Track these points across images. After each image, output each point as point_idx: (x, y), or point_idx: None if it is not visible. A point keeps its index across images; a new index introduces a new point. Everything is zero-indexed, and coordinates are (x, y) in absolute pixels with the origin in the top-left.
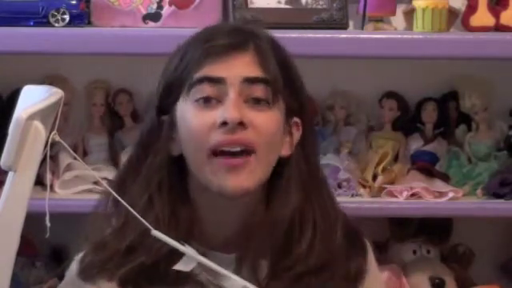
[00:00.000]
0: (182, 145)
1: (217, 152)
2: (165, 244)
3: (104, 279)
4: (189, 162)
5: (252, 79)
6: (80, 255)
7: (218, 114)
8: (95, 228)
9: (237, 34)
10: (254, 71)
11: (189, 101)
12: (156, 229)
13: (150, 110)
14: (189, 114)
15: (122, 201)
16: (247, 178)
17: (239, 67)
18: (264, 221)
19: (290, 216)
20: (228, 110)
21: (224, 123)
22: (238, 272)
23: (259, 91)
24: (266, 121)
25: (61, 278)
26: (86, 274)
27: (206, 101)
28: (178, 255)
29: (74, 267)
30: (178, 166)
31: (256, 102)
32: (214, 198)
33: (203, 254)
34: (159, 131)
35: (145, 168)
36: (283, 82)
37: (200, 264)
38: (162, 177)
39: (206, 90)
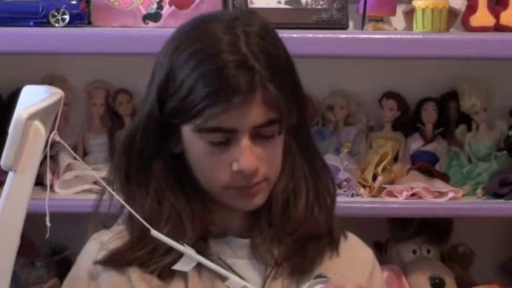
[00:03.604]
0: (187, 153)
1: (230, 187)
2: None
3: (133, 267)
4: (199, 180)
5: (262, 124)
6: (95, 242)
7: (232, 157)
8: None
9: (245, 69)
10: (264, 115)
11: (199, 138)
12: (170, 222)
13: (147, 110)
14: (200, 150)
15: (122, 201)
16: (260, 198)
17: (250, 116)
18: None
19: (284, 188)
20: (243, 161)
21: (240, 171)
22: (253, 256)
23: (268, 131)
24: (275, 151)
25: (61, 278)
26: (112, 261)
27: (218, 143)
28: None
29: (90, 254)
30: (182, 160)
31: (265, 138)
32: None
33: (221, 239)
34: (161, 135)
35: (149, 168)
36: (286, 101)
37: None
38: (169, 174)
39: (218, 137)
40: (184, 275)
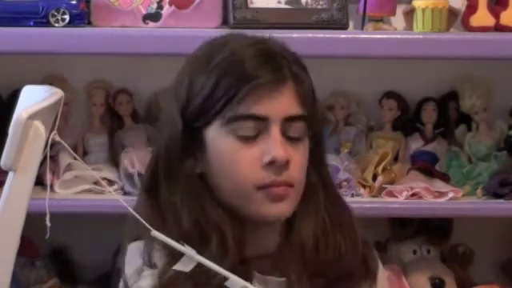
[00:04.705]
0: (208, 168)
1: (261, 187)
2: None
3: None
4: (222, 190)
5: (293, 117)
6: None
7: (261, 151)
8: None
9: (273, 62)
10: (295, 108)
11: (227, 133)
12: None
13: (167, 120)
14: (228, 148)
15: (127, 205)
16: (288, 207)
17: (282, 104)
18: (291, 241)
19: (314, 233)
20: (276, 149)
21: (272, 162)
22: None
23: (297, 129)
24: (301, 157)
25: (61, 278)
26: None
27: (247, 138)
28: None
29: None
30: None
31: (292, 139)
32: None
33: (259, 279)
34: (183, 149)
35: (179, 184)
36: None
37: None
38: (200, 191)
39: (250, 127)
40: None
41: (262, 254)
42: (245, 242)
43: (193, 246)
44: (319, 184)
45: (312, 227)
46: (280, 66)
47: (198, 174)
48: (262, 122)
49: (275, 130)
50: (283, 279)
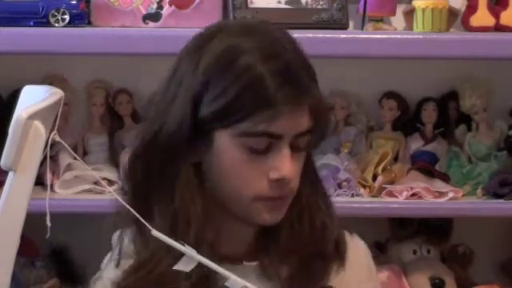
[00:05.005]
0: (208, 168)
1: (261, 198)
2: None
3: None
4: (217, 190)
5: (304, 132)
6: (112, 275)
7: (270, 166)
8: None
9: (293, 84)
10: (307, 124)
11: (239, 144)
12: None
13: (174, 116)
14: (236, 157)
15: (125, 203)
16: (282, 213)
17: (296, 122)
18: (267, 229)
19: (290, 218)
20: (285, 169)
21: (279, 180)
22: (261, 279)
23: (304, 141)
24: (300, 166)
25: (61, 278)
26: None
27: (257, 150)
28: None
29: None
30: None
31: (298, 149)
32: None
33: (231, 264)
34: (191, 143)
35: (175, 175)
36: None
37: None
38: (194, 184)
39: (263, 142)
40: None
41: (237, 245)
42: (222, 234)
43: (172, 230)
44: (302, 172)
45: (289, 213)
46: (299, 88)
47: (194, 164)
48: (275, 138)
49: (286, 147)
50: (255, 263)
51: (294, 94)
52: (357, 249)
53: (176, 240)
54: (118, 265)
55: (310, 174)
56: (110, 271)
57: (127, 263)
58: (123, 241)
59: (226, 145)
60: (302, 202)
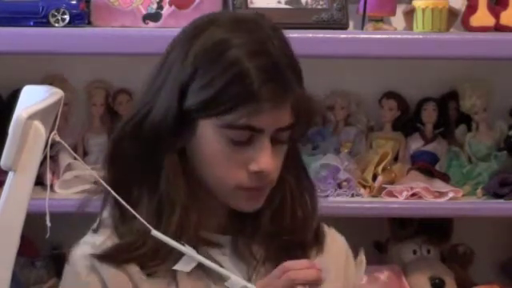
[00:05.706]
0: (192, 155)
1: (242, 187)
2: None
3: (133, 264)
4: (201, 177)
5: (284, 128)
6: (86, 246)
7: (250, 158)
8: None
9: (277, 80)
10: (288, 120)
11: (221, 135)
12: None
13: (163, 103)
14: (218, 147)
15: (123, 201)
16: (262, 201)
17: (278, 118)
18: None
19: (272, 205)
20: (265, 162)
21: (258, 172)
22: (234, 252)
23: (285, 135)
24: (281, 157)
25: (61, 278)
26: (111, 257)
27: (239, 142)
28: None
29: (83, 251)
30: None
31: (279, 142)
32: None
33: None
34: (175, 130)
35: (159, 163)
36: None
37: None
38: (179, 169)
39: (245, 135)
40: (173, 276)
41: (217, 220)
42: (204, 212)
43: (158, 213)
44: (286, 162)
45: (271, 200)
46: (283, 85)
47: (179, 150)
48: (257, 132)
49: (267, 141)
50: (228, 237)
51: (277, 91)
52: (334, 238)
53: (176, 240)
54: (96, 231)
55: (294, 165)
56: (88, 237)
57: (105, 232)
58: (102, 213)
59: (209, 134)
60: (286, 190)
